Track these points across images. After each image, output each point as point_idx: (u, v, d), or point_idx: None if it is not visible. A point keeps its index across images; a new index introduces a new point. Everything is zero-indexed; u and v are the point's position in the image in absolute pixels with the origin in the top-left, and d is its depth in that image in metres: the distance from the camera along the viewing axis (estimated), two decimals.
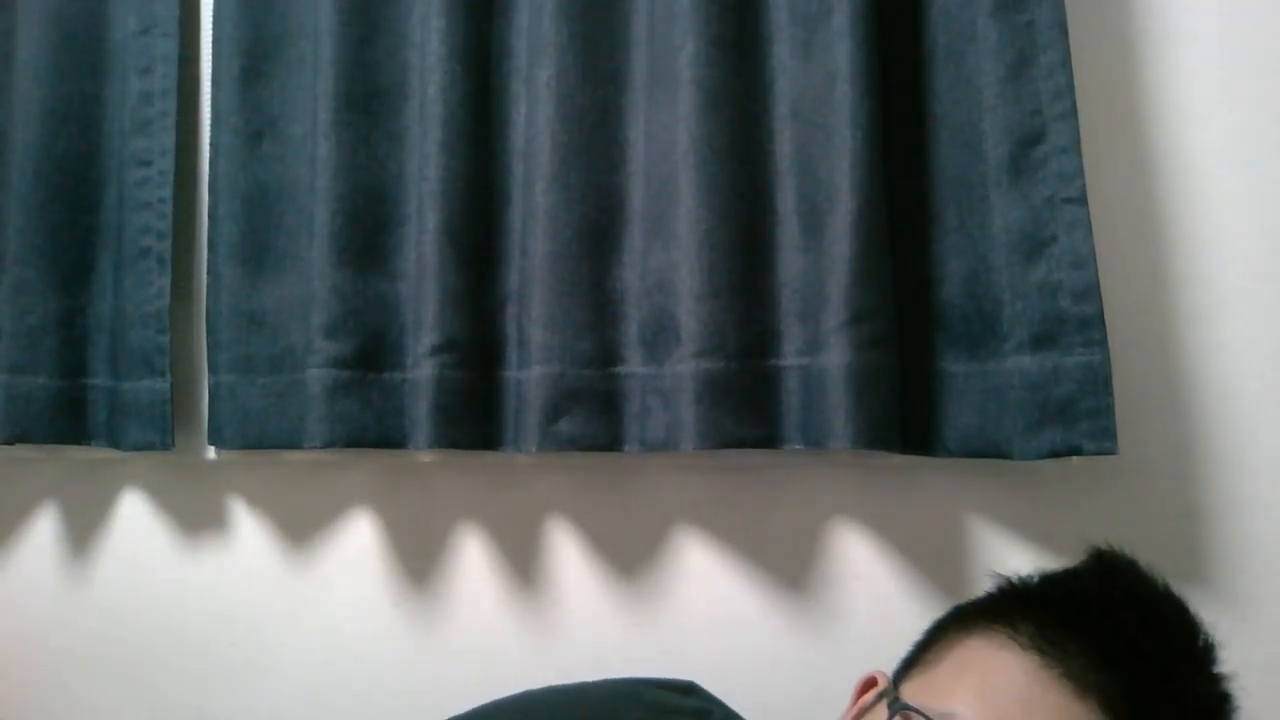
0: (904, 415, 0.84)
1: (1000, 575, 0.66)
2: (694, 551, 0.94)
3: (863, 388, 0.81)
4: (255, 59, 1.00)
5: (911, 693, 0.58)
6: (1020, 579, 0.64)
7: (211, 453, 1.03)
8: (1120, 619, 0.56)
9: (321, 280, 0.94)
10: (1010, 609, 0.59)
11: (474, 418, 0.91)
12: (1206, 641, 0.58)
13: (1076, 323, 0.78)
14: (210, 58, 1.02)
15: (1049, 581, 0.63)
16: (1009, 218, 0.81)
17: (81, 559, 1.07)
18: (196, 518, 1.05)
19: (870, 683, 0.66)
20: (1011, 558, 0.86)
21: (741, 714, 0.76)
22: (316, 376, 0.93)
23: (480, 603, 0.97)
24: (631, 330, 0.90)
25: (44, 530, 1.08)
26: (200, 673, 1.03)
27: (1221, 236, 0.85)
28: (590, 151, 0.90)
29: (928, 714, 0.55)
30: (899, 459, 0.87)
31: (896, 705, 0.57)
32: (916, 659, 0.62)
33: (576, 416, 0.88)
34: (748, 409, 0.85)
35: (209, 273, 1.00)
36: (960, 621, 0.62)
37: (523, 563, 0.97)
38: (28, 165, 1.02)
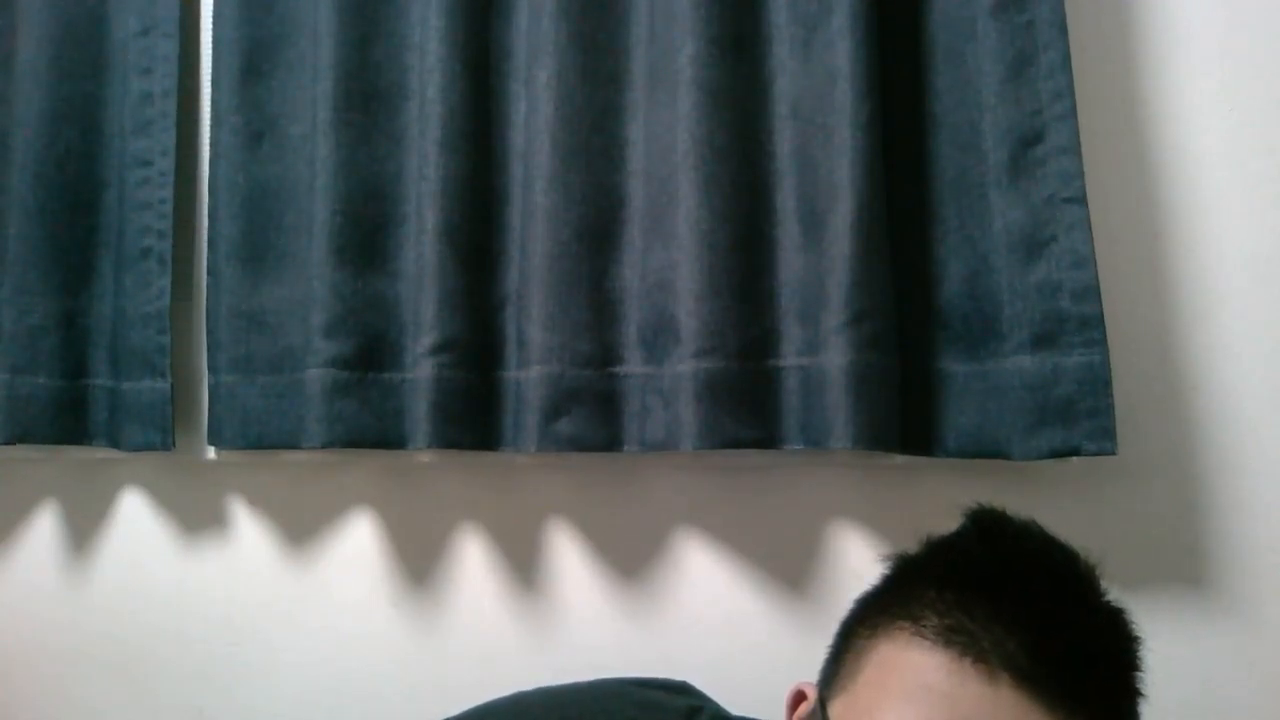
0: (904, 415, 0.84)
1: (890, 555, 0.64)
2: (694, 552, 0.94)
3: (862, 388, 0.81)
4: (255, 59, 1.00)
5: (839, 713, 0.58)
6: (908, 557, 0.63)
7: (211, 453, 1.03)
8: (1009, 584, 0.56)
9: (321, 280, 0.94)
10: (908, 600, 0.58)
11: (473, 418, 0.91)
12: (1087, 574, 0.58)
13: (1076, 323, 0.78)
14: (210, 58, 1.02)
15: (935, 558, 0.62)
16: (1009, 218, 0.81)
17: (81, 559, 1.07)
18: (196, 518, 1.05)
19: (800, 696, 0.65)
20: None
21: (741, 714, 0.76)
22: (316, 376, 0.93)
23: (480, 603, 0.97)
24: (631, 330, 0.90)
25: (44, 530, 1.08)
26: (200, 673, 1.03)
27: (1221, 236, 0.85)
28: (590, 151, 0.90)
29: None
30: (899, 459, 0.87)
31: None
32: (834, 671, 0.61)
33: (576, 416, 0.88)
34: (747, 409, 0.85)
35: (209, 273, 1.00)
36: (863, 623, 0.61)
37: (523, 563, 0.97)
38: (28, 166, 1.02)
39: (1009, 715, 0.52)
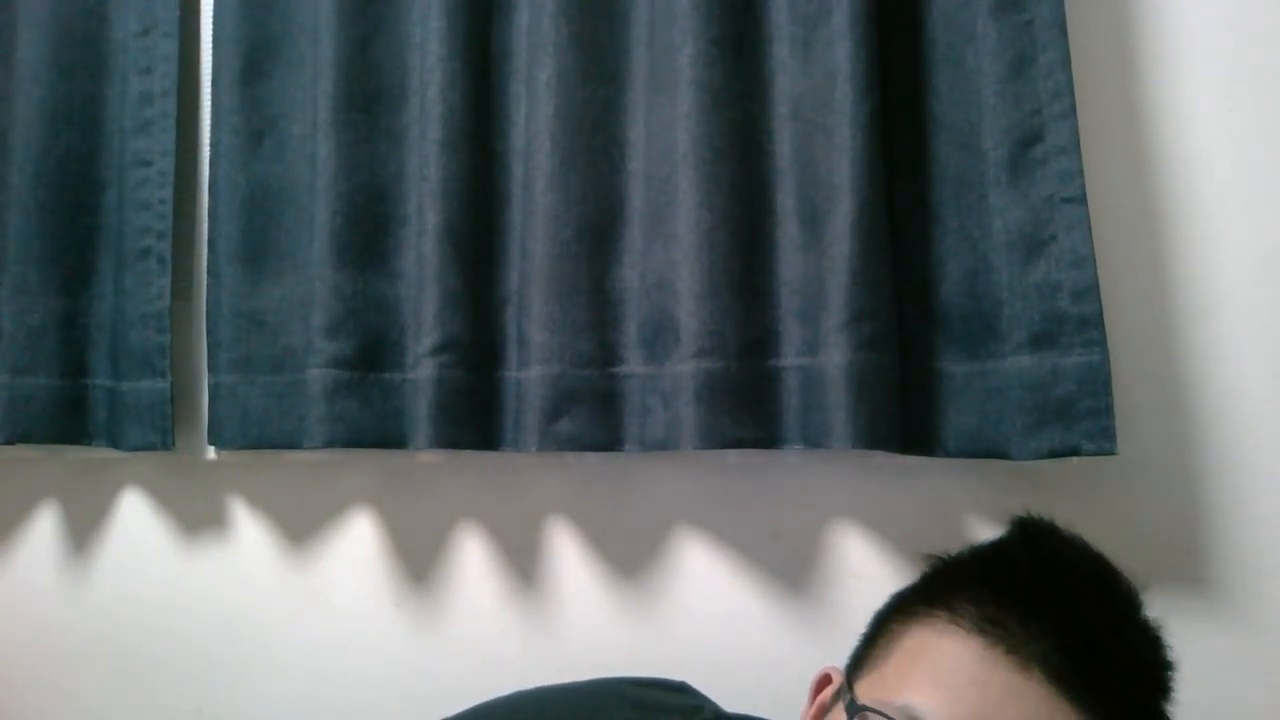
0: (904, 415, 0.84)
1: (932, 556, 0.66)
2: (694, 551, 0.94)
3: (862, 388, 0.81)
4: (255, 59, 1.00)
5: (865, 690, 0.59)
6: (950, 558, 0.65)
7: (211, 453, 1.03)
8: (1049, 587, 0.58)
9: (322, 280, 0.94)
10: (946, 592, 0.60)
11: (474, 418, 0.91)
12: (1129, 592, 0.60)
13: (1076, 323, 0.78)
14: (210, 58, 1.02)
15: (978, 558, 0.64)
16: (1008, 217, 0.81)
17: (81, 559, 1.07)
18: (196, 518, 1.05)
19: (825, 680, 0.66)
20: None
21: (740, 713, 0.76)
22: (317, 377, 0.93)
23: (480, 603, 0.97)
24: (631, 330, 0.90)
25: (44, 530, 1.08)
26: (200, 673, 1.03)
27: (1221, 236, 0.85)
28: (590, 151, 0.91)
29: (885, 711, 0.55)
30: (899, 459, 0.87)
31: (854, 707, 0.57)
32: (864, 655, 0.63)
33: (576, 416, 0.88)
34: (747, 409, 0.85)
35: (209, 273, 1.00)
36: (900, 611, 0.62)
37: (523, 563, 0.97)
38: (28, 166, 1.02)
39: (1035, 708, 0.53)
